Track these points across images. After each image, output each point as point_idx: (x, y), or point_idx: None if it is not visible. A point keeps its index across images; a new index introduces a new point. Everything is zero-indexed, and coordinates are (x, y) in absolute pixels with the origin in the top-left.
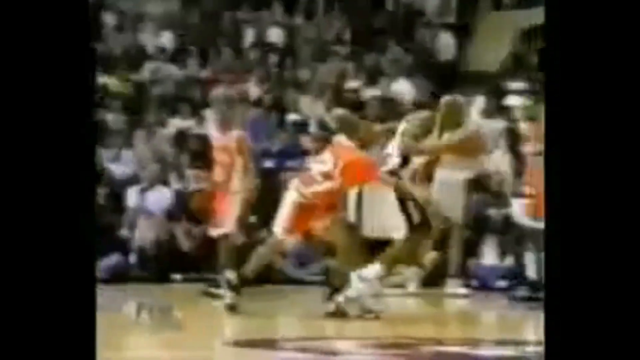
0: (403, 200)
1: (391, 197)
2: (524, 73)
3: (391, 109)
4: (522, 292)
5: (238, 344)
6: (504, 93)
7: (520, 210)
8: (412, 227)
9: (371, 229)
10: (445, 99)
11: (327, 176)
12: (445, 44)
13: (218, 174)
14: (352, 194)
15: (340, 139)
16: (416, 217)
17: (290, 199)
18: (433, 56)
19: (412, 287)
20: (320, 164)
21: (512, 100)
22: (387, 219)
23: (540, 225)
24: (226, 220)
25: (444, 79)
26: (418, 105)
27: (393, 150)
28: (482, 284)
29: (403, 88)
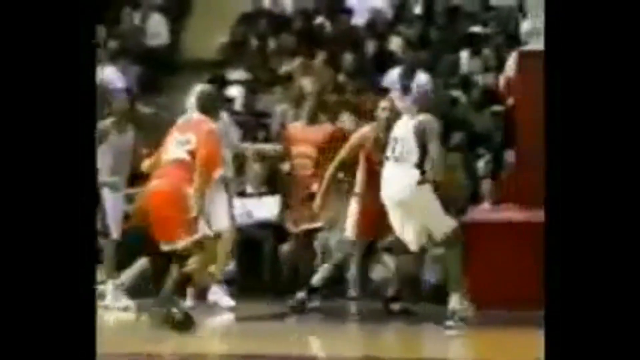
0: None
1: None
2: (245, 61)
3: (102, 99)
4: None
5: None
6: (225, 83)
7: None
8: None
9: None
10: None
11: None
12: (157, 27)
13: None
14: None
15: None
16: None
17: None
18: (143, 41)
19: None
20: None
21: (233, 91)
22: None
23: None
24: None
25: (157, 66)
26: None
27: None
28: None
29: (110, 75)
